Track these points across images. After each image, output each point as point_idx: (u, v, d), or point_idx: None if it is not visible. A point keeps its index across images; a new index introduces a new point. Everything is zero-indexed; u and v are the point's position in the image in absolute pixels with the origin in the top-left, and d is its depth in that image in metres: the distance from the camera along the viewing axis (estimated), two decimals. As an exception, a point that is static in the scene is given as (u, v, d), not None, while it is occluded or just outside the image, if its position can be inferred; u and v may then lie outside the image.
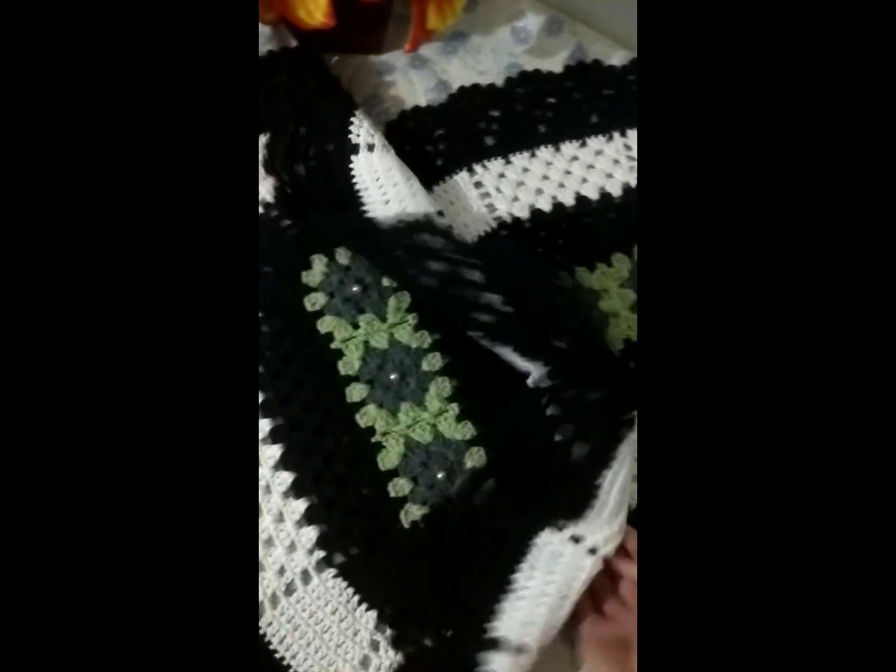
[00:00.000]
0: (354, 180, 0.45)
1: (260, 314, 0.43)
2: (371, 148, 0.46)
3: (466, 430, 0.41)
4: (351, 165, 0.46)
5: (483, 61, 0.51)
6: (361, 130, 0.46)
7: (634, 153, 0.49)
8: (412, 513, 0.39)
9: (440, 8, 0.44)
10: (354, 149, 0.46)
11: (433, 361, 0.42)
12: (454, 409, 0.41)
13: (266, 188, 0.46)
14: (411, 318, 0.43)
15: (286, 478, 0.39)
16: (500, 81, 0.50)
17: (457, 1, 0.44)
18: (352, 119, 0.47)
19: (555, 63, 0.51)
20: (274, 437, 0.40)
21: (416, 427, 0.41)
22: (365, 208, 0.45)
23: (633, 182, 0.48)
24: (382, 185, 0.45)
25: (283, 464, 0.40)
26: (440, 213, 0.43)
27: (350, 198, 0.45)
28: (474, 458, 0.40)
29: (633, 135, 0.49)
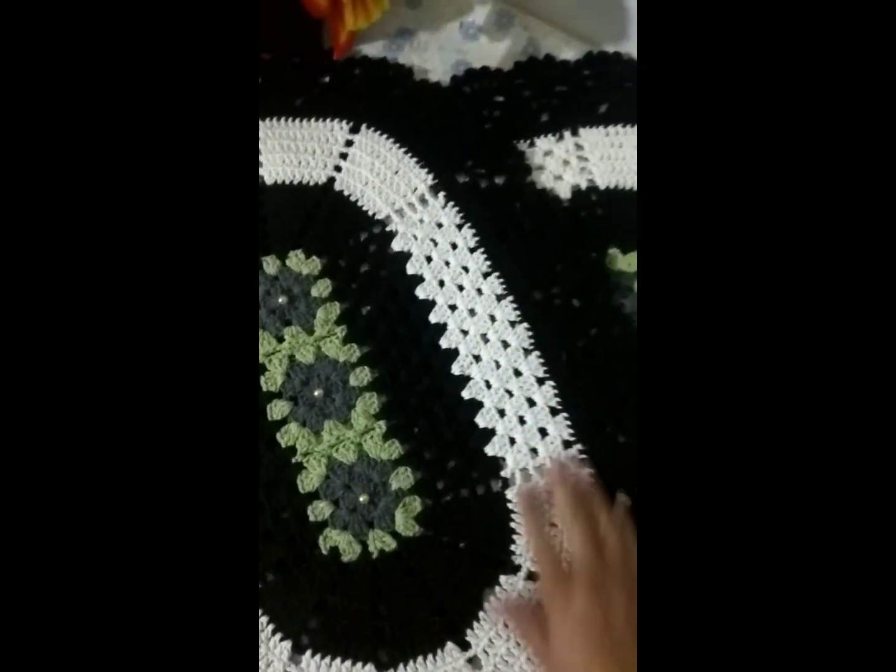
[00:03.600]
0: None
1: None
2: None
3: (393, 450, 0.39)
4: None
5: (429, 59, 0.49)
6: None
7: (586, 153, 0.46)
8: (331, 538, 0.37)
9: (356, 8, 0.41)
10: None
11: (361, 376, 0.40)
12: (381, 426, 0.39)
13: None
14: (339, 331, 0.41)
15: (201, 499, 0.38)
16: (445, 80, 0.48)
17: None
18: None
19: (505, 59, 0.48)
20: (191, 456, 0.39)
21: (340, 447, 0.39)
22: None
23: (584, 184, 0.45)
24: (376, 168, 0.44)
25: (198, 485, 0.38)
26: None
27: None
28: (400, 480, 0.38)
29: (585, 133, 0.46)
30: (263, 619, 0.36)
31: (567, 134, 0.46)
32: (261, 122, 0.45)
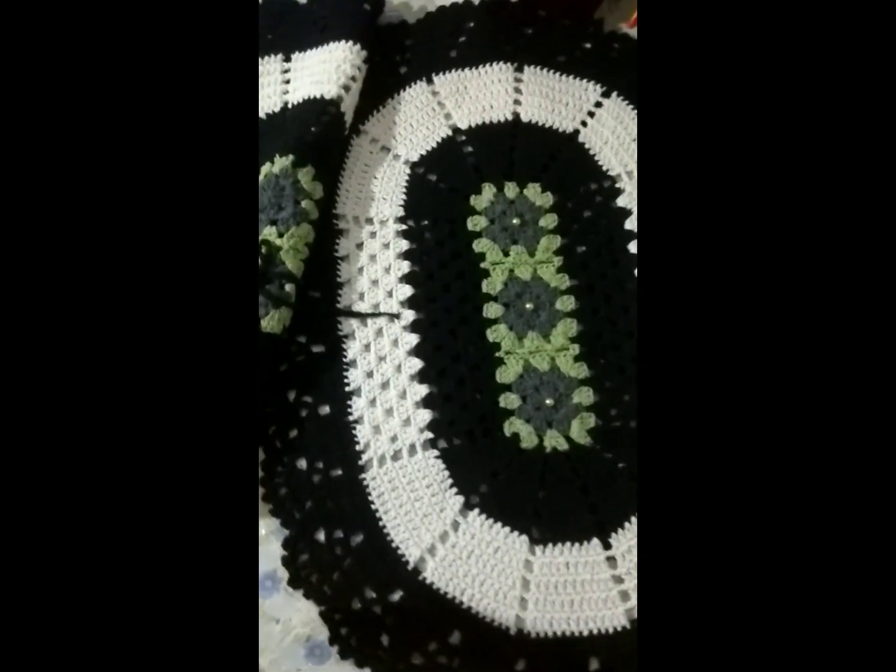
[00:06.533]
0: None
1: (425, 222, 0.48)
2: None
3: (581, 371, 0.45)
4: None
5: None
6: None
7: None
8: (515, 425, 0.43)
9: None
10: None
11: (567, 303, 0.46)
12: (575, 349, 0.45)
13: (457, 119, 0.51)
14: (557, 261, 0.47)
15: (416, 364, 0.45)
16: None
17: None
18: None
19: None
20: (414, 327, 0.45)
21: (537, 355, 0.45)
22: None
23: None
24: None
25: (416, 351, 0.45)
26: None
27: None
28: (582, 396, 0.44)
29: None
30: (445, 474, 0.43)
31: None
32: (526, 68, 0.52)
